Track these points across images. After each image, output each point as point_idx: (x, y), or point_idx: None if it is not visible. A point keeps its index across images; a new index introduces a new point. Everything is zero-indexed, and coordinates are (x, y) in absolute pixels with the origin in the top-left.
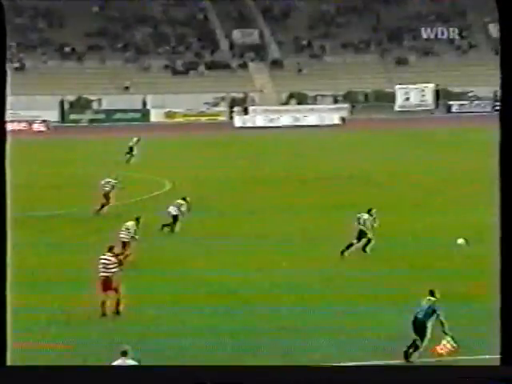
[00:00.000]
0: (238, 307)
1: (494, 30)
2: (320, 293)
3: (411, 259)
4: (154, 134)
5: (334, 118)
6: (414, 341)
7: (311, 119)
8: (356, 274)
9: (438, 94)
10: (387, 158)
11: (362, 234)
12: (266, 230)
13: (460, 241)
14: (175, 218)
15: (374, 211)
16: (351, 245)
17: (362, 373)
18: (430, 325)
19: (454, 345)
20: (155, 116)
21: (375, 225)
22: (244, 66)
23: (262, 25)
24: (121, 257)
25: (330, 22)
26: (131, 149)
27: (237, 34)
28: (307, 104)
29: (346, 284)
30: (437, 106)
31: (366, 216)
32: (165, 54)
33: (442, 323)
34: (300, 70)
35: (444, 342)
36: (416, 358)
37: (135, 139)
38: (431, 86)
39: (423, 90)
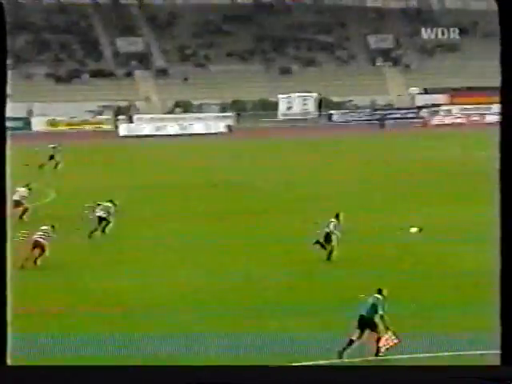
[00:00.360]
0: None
1: (372, 41)
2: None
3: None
4: (35, 142)
5: (221, 127)
6: (351, 340)
7: (198, 127)
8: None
9: (320, 103)
10: (273, 165)
11: (328, 238)
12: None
13: (413, 229)
14: (102, 220)
15: (341, 215)
16: (318, 242)
17: (362, 373)
18: (377, 319)
19: (395, 340)
20: (37, 124)
21: (337, 231)
22: (129, 74)
23: (146, 33)
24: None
25: (215, 31)
26: (52, 156)
27: (121, 42)
28: (193, 112)
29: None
30: (319, 114)
31: (334, 221)
32: (47, 61)
33: (383, 319)
34: (185, 79)
35: (386, 336)
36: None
37: (53, 146)
38: (314, 95)
39: (306, 99)
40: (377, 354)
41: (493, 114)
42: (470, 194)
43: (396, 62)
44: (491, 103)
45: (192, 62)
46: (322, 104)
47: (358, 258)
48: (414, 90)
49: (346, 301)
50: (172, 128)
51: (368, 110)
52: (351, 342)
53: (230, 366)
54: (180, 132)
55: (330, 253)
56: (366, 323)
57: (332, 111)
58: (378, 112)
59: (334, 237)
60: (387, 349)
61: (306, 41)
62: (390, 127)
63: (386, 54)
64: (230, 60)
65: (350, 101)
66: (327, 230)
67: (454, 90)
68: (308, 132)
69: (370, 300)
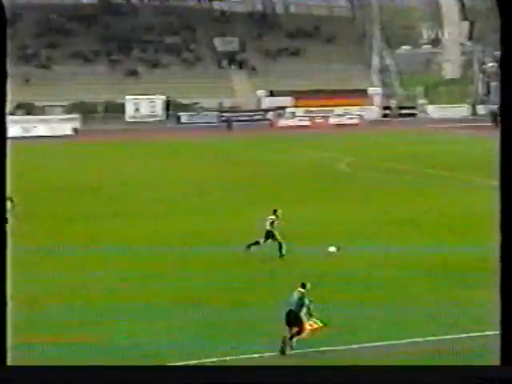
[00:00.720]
0: None
1: (218, 43)
2: None
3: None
4: None
5: (66, 129)
6: (285, 337)
7: (42, 130)
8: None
9: (168, 105)
10: (119, 168)
11: (268, 235)
12: None
13: (332, 249)
14: None
15: (279, 212)
16: (257, 242)
17: (363, 373)
18: (303, 314)
19: (320, 324)
20: None
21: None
22: None
23: None
24: None
25: (59, 31)
26: None
27: None
28: (35, 114)
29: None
30: (167, 116)
31: (273, 217)
32: None
33: (309, 309)
34: (27, 80)
35: (311, 322)
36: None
37: None
38: (161, 97)
39: (153, 101)
40: (291, 338)
41: (337, 115)
42: (318, 193)
43: (242, 64)
44: (335, 106)
45: (34, 63)
46: (169, 106)
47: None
48: (260, 92)
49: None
50: (14, 130)
51: (215, 112)
52: (285, 338)
53: (229, 366)
54: (23, 134)
55: (280, 248)
56: (293, 318)
57: (180, 113)
58: (226, 114)
59: (275, 232)
60: (312, 330)
61: (153, 42)
62: (236, 129)
63: (232, 56)
64: (75, 61)
65: (198, 103)
66: (267, 227)
67: (299, 92)
68: (155, 134)
69: (295, 295)
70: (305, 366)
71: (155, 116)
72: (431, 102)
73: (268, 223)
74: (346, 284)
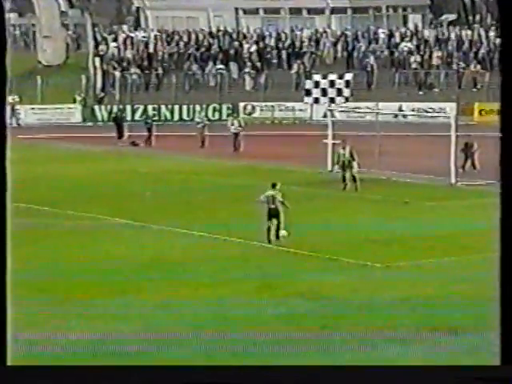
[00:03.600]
0: None
1: None
2: None
3: None
4: None
5: None
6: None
7: None
8: None
9: None
10: None
11: (271, 213)
12: None
13: (283, 232)
14: None
15: (278, 186)
16: (269, 228)
17: (362, 373)
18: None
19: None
20: None
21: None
22: None
23: None
24: None
25: None
26: None
27: None
28: None
29: None
30: None
31: (271, 192)
32: None
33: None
34: None
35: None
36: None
37: None
38: None
39: None
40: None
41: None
42: None
43: None
44: None
45: None
46: None
47: None
48: None
49: None
50: None
51: None
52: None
53: (229, 366)
54: None
55: (278, 230)
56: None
57: None
58: None
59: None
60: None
61: None
62: None
63: None
64: None
65: None
66: (272, 206)
67: None
68: None
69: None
70: (305, 366)
71: None
72: (28, 102)
73: (273, 200)
74: None
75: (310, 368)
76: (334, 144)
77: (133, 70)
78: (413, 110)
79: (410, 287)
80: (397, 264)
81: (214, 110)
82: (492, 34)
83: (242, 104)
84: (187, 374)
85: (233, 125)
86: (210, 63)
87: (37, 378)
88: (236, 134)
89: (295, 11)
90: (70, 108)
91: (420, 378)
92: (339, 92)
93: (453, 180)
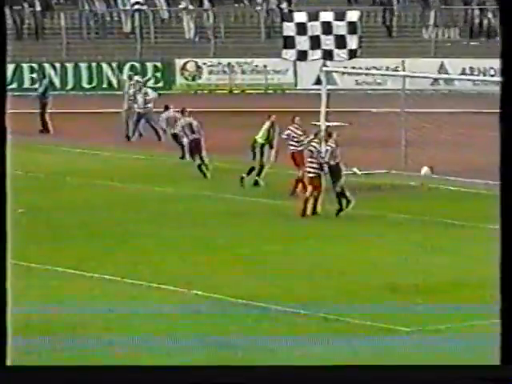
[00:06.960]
0: None
1: None
2: None
3: None
4: None
5: None
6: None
7: None
8: None
9: None
10: None
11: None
12: None
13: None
14: None
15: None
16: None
17: (362, 373)
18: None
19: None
20: None
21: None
22: None
23: None
24: None
25: None
26: None
27: None
28: None
29: None
30: None
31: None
32: None
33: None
34: None
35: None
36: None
37: None
38: None
39: None
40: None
41: None
42: None
43: None
44: None
45: None
46: None
47: None
48: None
49: None
50: None
51: None
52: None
53: (229, 366)
54: None
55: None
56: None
57: None
58: None
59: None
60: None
61: None
62: None
63: None
64: None
65: None
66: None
67: None
68: None
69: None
70: (305, 366)
71: None
72: None
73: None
74: None
75: (309, 368)
76: (328, 127)
77: None
78: (462, 73)
79: None
80: None
81: (133, 70)
82: None
83: (178, 61)
84: (187, 373)
85: (134, 98)
86: None
87: (37, 378)
88: (140, 115)
89: None
90: None
91: (420, 378)
92: (340, 41)
93: None
